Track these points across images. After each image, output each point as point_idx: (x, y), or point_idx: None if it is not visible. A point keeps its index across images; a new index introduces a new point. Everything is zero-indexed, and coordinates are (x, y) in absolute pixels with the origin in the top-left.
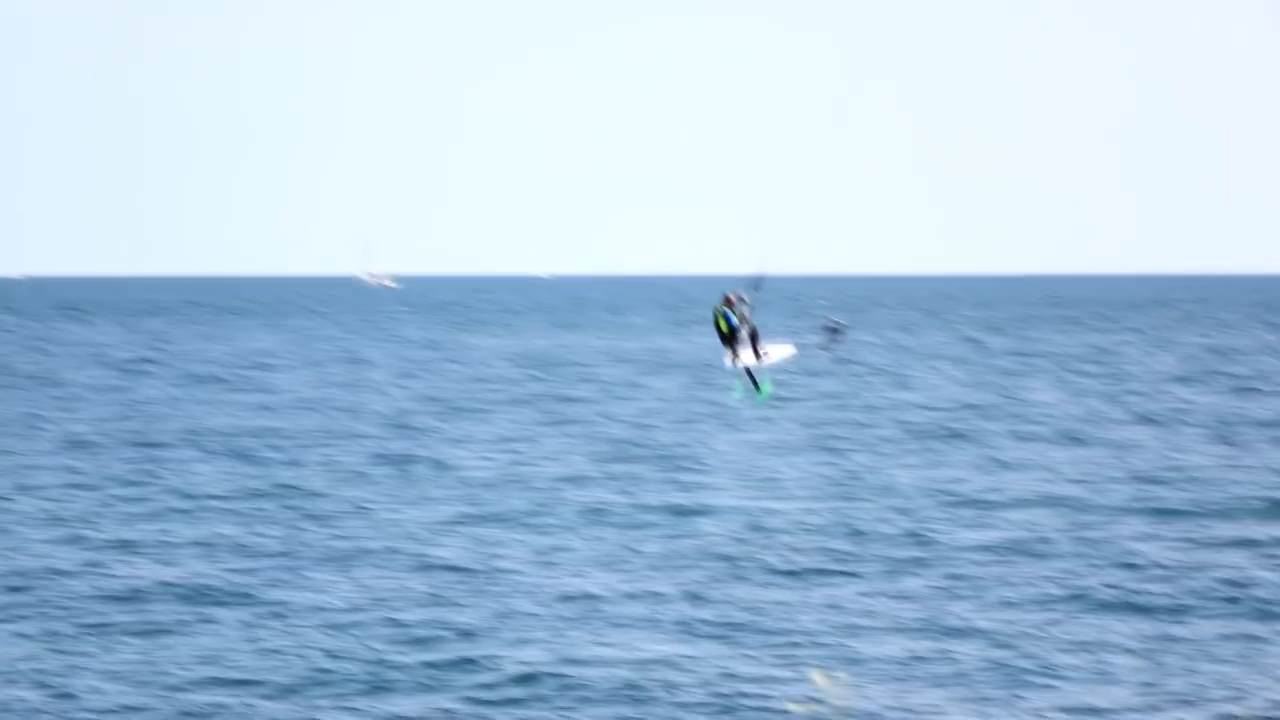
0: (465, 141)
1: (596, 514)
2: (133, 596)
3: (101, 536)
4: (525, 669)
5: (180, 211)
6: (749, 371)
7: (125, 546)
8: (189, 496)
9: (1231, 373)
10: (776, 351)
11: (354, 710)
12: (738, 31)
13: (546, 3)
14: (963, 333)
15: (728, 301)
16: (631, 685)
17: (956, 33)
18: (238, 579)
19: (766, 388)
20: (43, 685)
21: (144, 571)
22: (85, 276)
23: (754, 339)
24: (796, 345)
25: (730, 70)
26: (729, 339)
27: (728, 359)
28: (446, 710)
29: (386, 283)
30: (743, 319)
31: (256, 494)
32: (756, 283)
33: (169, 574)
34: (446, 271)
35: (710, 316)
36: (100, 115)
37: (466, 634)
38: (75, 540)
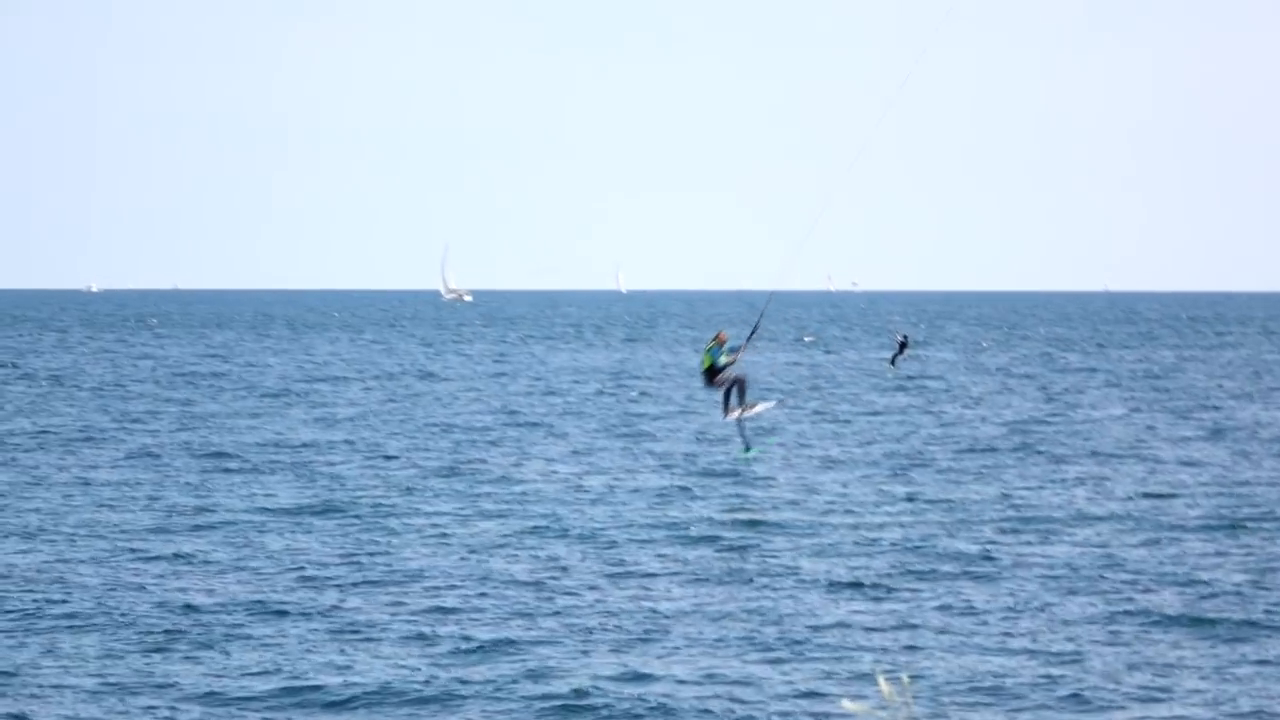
0: (539, 156)
1: (662, 529)
2: (193, 610)
3: (166, 550)
4: (589, 684)
5: (256, 225)
6: (740, 425)
7: (188, 559)
8: (254, 510)
9: None
10: (755, 407)
11: None
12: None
13: (630, 20)
14: (1037, 349)
15: (718, 340)
16: (699, 701)
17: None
18: (299, 594)
19: (752, 451)
20: (104, 700)
21: (205, 585)
22: (160, 289)
23: (739, 386)
24: (777, 401)
25: (806, 96)
26: (711, 376)
27: (721, 412)
28: None
29: (464, 297)
30: (730, 361)
31: (321, 508)
32: (755, 326)
33: (231, 589)
34: (521, 286)
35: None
36: (176, 129)
37: (532, 647)
38: (138, 552)
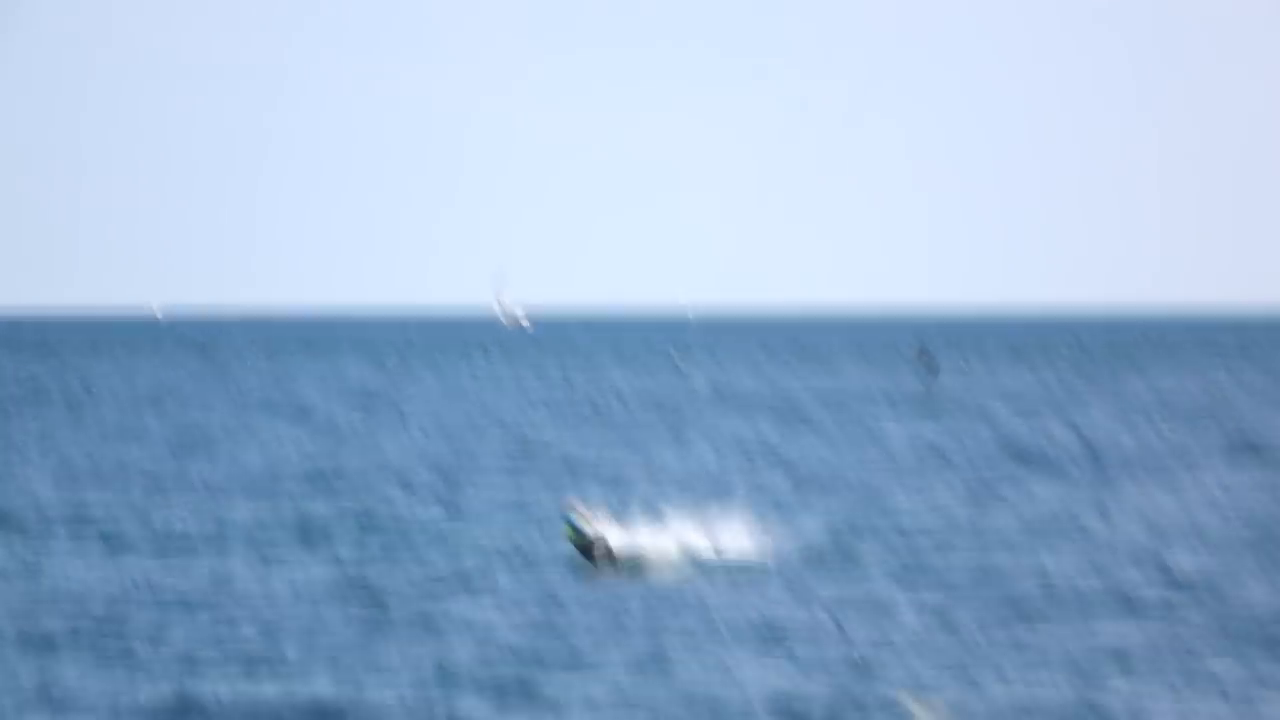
0: (594, 172)
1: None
2: (265, 627)
3: (240, 569)
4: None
5: (318, 242)
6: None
7: (254, 578)
8: (340, 527)
9: None
10: (653, 550)
11: None
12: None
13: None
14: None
15: (572, 508)
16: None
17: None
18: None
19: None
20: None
21: (278, 595)
22: (226, 310)
23: (608, 552)
24: (687, 547)
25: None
26: (586, 551)
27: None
28: None
29: (522, 321)
30: (589, 523)
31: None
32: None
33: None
34: (576, 301)
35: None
36: (231, 150)
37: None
38: (211, 570)
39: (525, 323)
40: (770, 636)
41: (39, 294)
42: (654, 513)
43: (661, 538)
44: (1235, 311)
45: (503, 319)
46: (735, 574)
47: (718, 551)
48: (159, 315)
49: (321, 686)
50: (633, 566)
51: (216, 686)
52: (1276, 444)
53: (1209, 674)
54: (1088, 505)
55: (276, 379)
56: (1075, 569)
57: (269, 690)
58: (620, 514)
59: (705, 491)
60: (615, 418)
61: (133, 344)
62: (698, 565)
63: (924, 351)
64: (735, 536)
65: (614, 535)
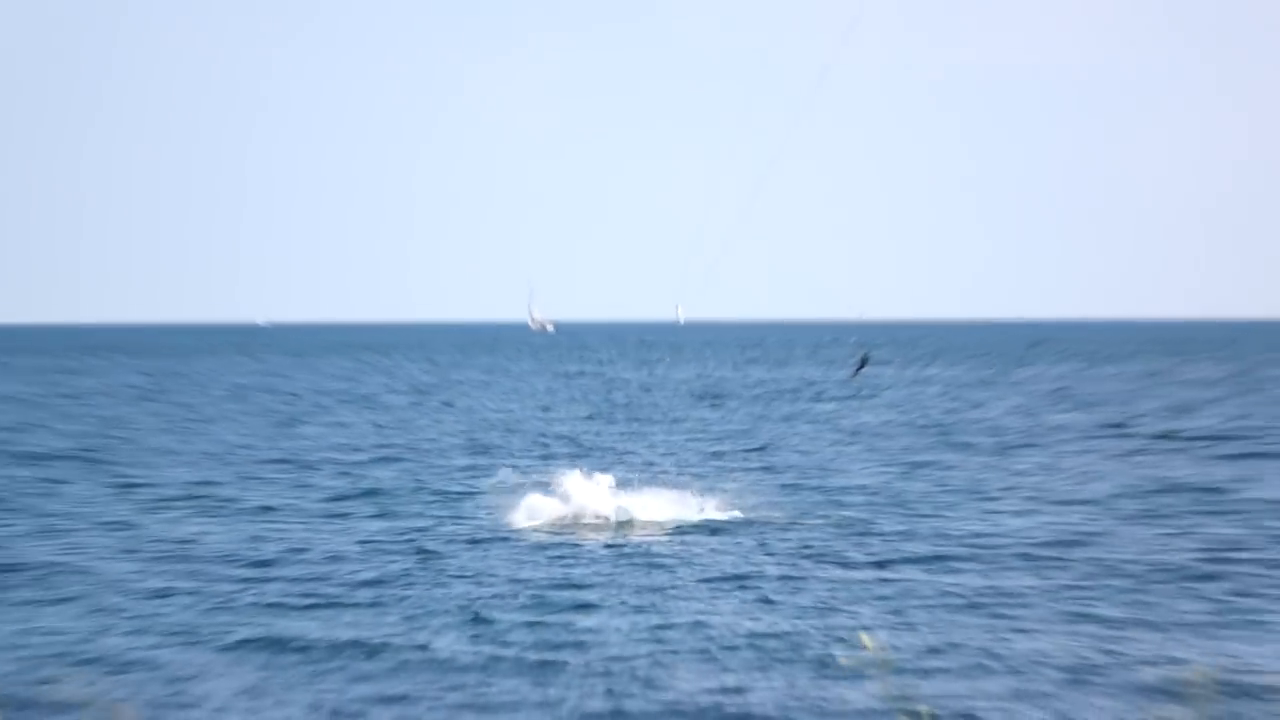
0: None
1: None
2: (340, 569)
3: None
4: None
5: (382, 261)
6: None
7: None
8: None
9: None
10: (645, 511)
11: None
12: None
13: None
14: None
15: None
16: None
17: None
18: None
19: None
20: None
21: (347, 543)
22: (324, 323)
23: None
24: None
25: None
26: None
27: None
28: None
29: (548, 327)
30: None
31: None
32: None
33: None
34: (593, 315)
35: None
36: (317, 192)
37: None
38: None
39: (550, 328)
40: (739, 580)
41: (171, 309)
42: (647, 482)
43: (653, 502)
44: (1117, 319)
45: (533, 327)
46: (711, 530)
47: (698, 511)
48: (261, 323)
49: (388, 623)
50: (627, 524)
51: (302, 623)
52: (1135, 424)
53: (1091, 611)
54: (989, 473)
55: (350, 374)
56: (980, 526)
57: (343, 620)
58: (621, 482)
59: (687, 464)
60: (617, 402)
61: (241, 347)
62: (682, 524)
63: (861, 353)
64: (708, 501)
65: (616, 500)
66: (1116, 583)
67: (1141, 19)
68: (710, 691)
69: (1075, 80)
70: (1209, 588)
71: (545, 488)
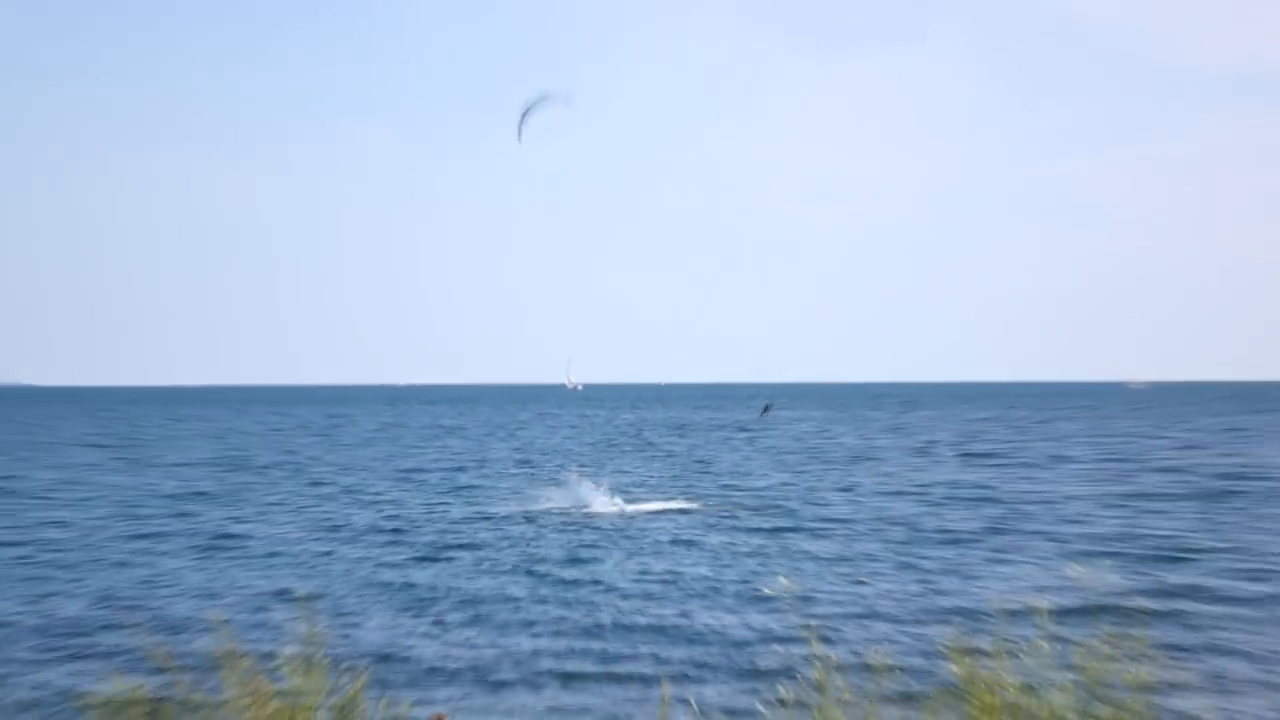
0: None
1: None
2: (437, 535)
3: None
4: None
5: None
6: None
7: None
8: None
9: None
10: (638, 508)
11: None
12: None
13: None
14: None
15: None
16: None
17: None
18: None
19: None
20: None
21: (444, 519)
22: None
23: None
24: None
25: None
26: None
27: None
28: None
29: (578, 388)
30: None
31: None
32: None
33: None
34: (607, 378)
35: None
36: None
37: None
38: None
39: (579, 388)
40: (692, 544)
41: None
42: (633, 483)
43: (636, 494)
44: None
45: (568, 386)
46: (676, 513)
47: (666, 501)
48: (401, 385)
49: (472, 567)
50: (618, 509)
51: (418, 570)
52: (935, 447)
53: (913, 563)
54: (844, 477)
55: (452, 418)
56: (850, 512)
57: (446, 564)
58: (614, 482)
59: (659, 470)
60: (618, 431)
61: (385, 401)
62: (654, 509)
63: (766, 403)
64: (672, 493)
65: (611, 493)
66: (933, 544)
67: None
68: (674, 615)
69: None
70: (982, 548)
71: (567, 485)
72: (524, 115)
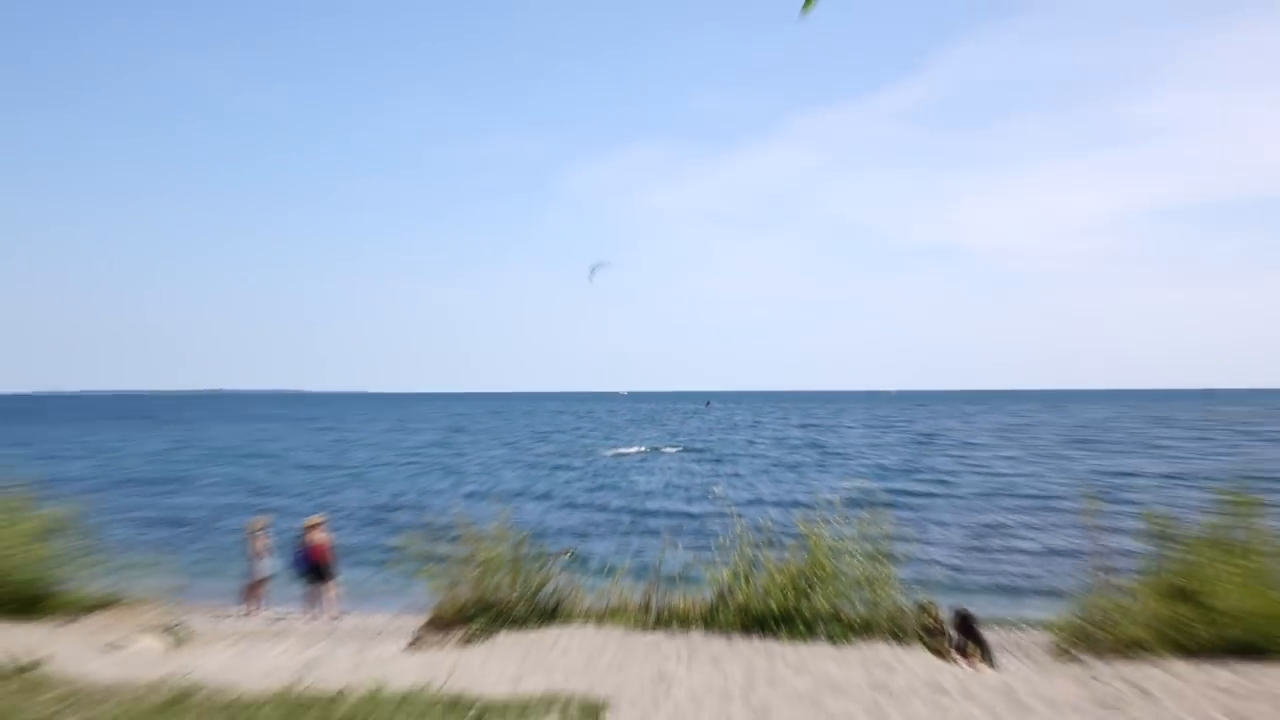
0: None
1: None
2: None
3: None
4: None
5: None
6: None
7: None
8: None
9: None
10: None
11: None
12: None
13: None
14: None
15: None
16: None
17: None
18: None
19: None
20: None
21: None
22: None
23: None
24: None
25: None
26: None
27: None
28: None
29: (624, 392)
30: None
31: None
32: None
33: None
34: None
35: None
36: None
37: None
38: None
39: (625, 393)
40: (684, 470)
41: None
42: (658, 441)
43: (657, 446)
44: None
45: (619, 392)
46: (670, 454)
47: (670, 448)
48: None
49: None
50: (648, 453)
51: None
52: (807, 423)
53: (780, 478)
54: (746, 435)
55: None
56: (746, 451)
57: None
58: (648, 441)
59: (668, 432)
60: (657, 418)
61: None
62: (664, 452)
63: (708, 401)
64: (670, 443)
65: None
66: (786, 468)
67: None
68: (675, 503)
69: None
70: (811, 469)
71: (624, 444)
72: (593, 270)
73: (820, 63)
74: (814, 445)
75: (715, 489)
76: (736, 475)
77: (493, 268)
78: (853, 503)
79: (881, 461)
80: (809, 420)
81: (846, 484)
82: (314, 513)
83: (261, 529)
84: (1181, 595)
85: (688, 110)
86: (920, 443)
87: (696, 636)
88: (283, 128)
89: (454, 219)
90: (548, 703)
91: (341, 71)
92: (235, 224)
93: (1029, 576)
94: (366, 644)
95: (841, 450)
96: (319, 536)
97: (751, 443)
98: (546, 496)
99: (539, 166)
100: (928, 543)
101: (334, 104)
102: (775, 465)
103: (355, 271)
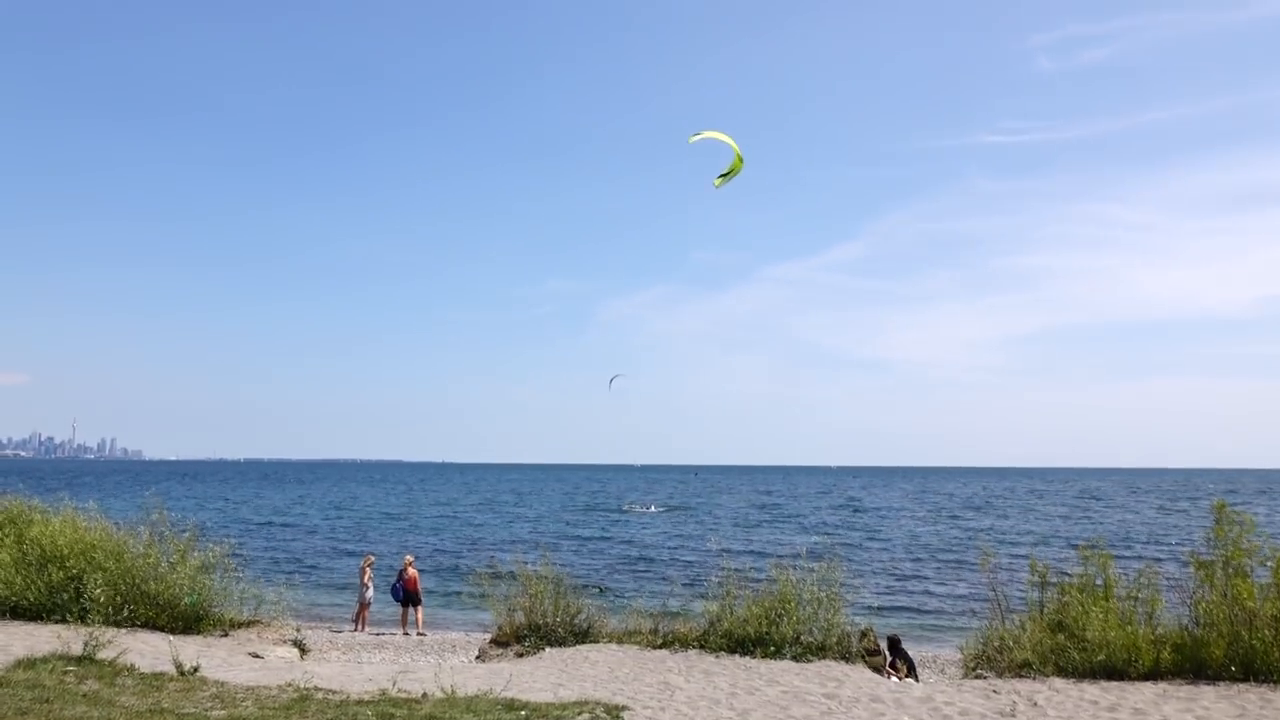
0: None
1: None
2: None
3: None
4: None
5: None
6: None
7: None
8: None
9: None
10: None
11: None
12: None
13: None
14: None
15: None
16: None
17: None
18: None
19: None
20: None
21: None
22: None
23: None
24: None
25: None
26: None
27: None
28: None
29: (637, 465)
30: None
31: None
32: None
33: None
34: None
35: None
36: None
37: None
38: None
39: (639, 465)
40: (675, 525)
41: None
42: (662, 500)
43: (660, 507)
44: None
45: (633, 465)
46: (667, 514)
47: (661, 508)
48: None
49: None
50: (652, 514)
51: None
52: (768, 503)
53: (748, 534)
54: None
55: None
56: (720, 511)
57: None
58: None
59: (660, 496)
60: (660, 483)
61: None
62: (670, 511)
63: (697, 471)
64: (660, 505)
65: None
66: (750, 524)
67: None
68: (675, 549)
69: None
70: (768, 527)
71: (637, 503)
72: (611, 380)
73: (785, 230)
74: (772, 506)
75: (712, 542)
76: (715, 529)
77: (551, 369)
78: (811, 553)
79: (825, 519)
80: (770, 488)
81: (805, 538)
82: (406, 553)
83: (369, 565)
84: (1060, 627)
85: (689, 262)
86: (853, 506)
87: (693, 654)
88: (390, 267)
89: (519, 339)
90: (580, 706)
91: (440, 226)
92: (353, 336)
93: (941, 609)
94: (444, 656)
95: (798, 513)
96: (411, 571)
97: (729, 505)
98: (580, 542)
99: (581, 300)
100: (864, 583)
101: (429, 252)
102: (745, 522)
103: (451, 374)
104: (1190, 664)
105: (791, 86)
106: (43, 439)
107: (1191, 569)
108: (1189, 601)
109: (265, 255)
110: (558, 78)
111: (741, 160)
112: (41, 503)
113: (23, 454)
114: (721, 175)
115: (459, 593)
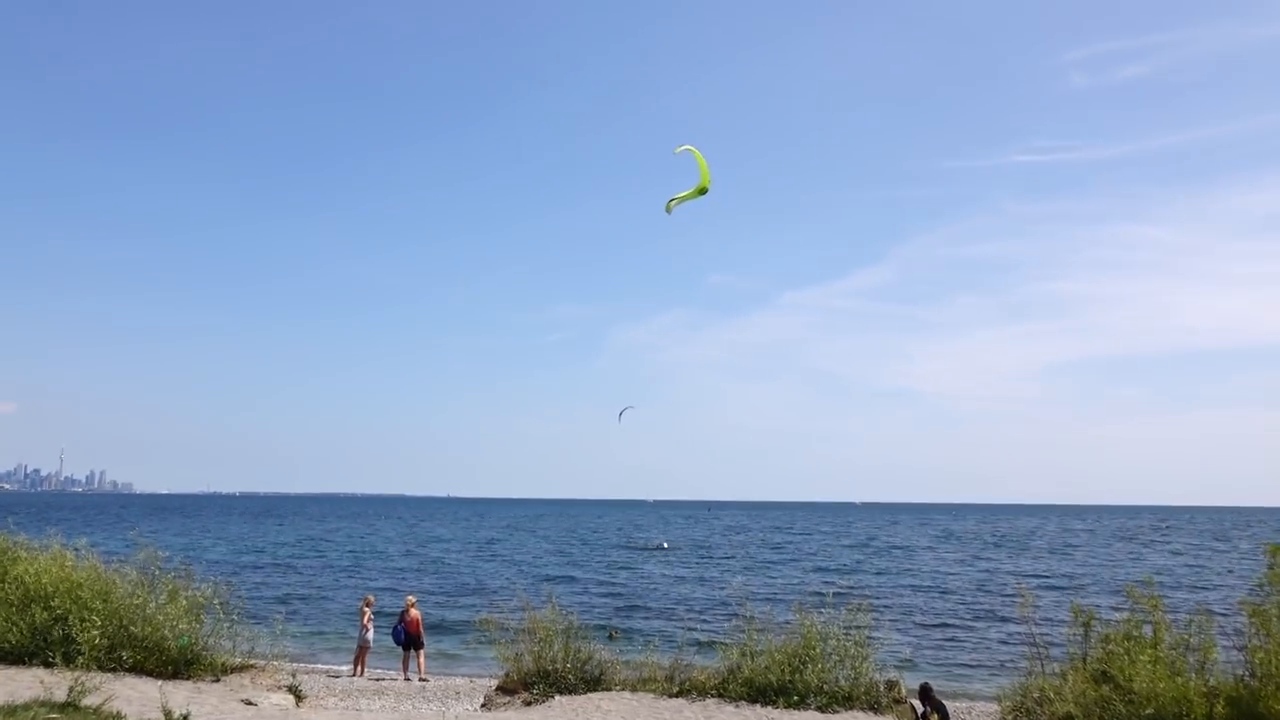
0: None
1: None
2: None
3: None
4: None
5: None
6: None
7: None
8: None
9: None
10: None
11: None
12: None
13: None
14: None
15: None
16: None
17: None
18: None
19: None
20: None
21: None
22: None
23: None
24: None
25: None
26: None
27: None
28: None
29: (651, 500)
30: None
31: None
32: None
33: None
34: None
35: None
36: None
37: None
38: None
39: (651, 501)
40: (692, 564)
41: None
42: (674, 538)
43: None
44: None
45: (645, 500)
46: (681, 553)
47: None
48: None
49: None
50: (665, 550)
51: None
52: (781, 541)
53: (761, 570)
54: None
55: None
56: (730, 549)
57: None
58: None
59: (675, 534)
60: (674, 521)
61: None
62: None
63: (711, 507)
64: (671, 541)
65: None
66: (763, 563)
67: None
68: (691, 590)
69: None
70: (779, 567)
71: (649, 540)
72: (621, 413)
73: (806, 253)
74: (791, 545)
75: (733, 583)
76: (730, 570)
77: (560, 402)
78: (837, 595)
79: (844, 561)
80: (780, 524)
81: (827, 579)
82: (408, 593)
83: (368, 605)
84: (1104, 678)
85: (705, 286)
86: (879, 545)
87: (711, 703)
88: (388, 291)
89: (530, 367)
90: None
91: (442, 247)
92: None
93: (975, 658)
94: (448, 703)
95: (817, 551)
96: (413, 613)
97: (742, 543)
98: (590, 583)
99: (593, 326)
100: (894, 626)
101: (427, 275)
102: (760, 562)
103: (455, 404)
104: (1246, 718)
105: (811, 102)
106: (28, 471)
107: (1245, 616)
108: (1244, 650)
109: (264, 277)
110: (568, 90)
111: (705, 190)
112: (27, 538)
113: (7, 486)
114: (676, 198)
115: (464, 635)
